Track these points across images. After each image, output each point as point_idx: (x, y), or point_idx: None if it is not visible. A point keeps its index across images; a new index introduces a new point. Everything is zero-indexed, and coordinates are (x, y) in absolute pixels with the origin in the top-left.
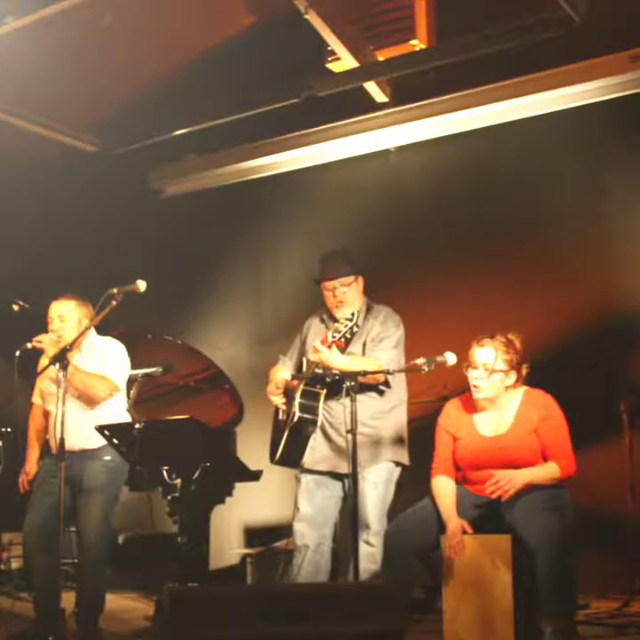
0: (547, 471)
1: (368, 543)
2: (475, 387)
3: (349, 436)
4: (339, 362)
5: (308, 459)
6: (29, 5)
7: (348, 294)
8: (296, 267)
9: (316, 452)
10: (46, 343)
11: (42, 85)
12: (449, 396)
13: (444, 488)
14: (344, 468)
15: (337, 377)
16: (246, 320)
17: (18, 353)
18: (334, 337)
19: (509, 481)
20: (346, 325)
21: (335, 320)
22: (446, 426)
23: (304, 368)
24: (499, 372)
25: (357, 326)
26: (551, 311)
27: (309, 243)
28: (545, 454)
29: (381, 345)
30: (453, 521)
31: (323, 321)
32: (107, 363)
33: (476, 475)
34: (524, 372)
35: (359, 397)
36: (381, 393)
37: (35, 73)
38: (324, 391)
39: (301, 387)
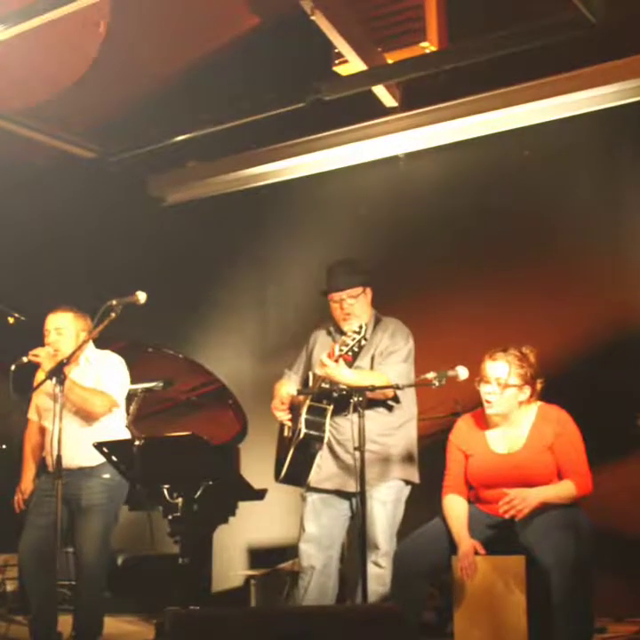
0: (562, 489)
1: (377, 564)
2: (487, 402)
3: (357, 454)
4: (346, 376)
5: (314, 477)
6: (29, 6)
7: (355, 306)
8: (301, 277)
9: (323, 469)
10: (43, 357)
11: (39, 89)
12: (460, 412)
13: (455, 507)
14: (352, 486)
15: (344, 392)
16: (250, 333)
17: (13, 367)
18: (341, 350)
19: (523, 500)
20: (353, 338)
21: (342, 333)
22: (458, 443)
23: (310, 383)
24: (512, 387)
25: (365, 339)
26: (566, 323)
27: (315, 252)
28: (560, 472)
29: (390, 359)
30: (465, 541)
31: (329, 334)
32: (105, 377)
33: (489, 493)
34: (538, 386)
35: (367, 413)
36: (390, 408)
37: (32, 77)
38: (331, 407)
39: (307, 402)
